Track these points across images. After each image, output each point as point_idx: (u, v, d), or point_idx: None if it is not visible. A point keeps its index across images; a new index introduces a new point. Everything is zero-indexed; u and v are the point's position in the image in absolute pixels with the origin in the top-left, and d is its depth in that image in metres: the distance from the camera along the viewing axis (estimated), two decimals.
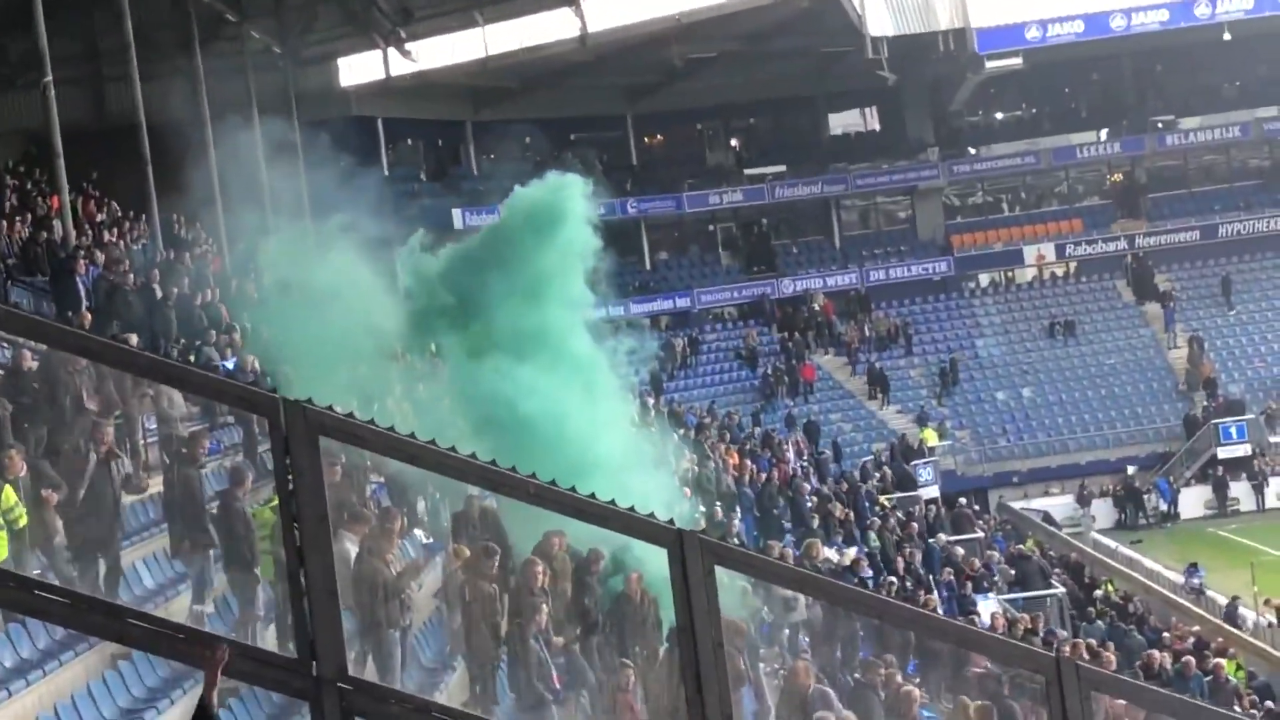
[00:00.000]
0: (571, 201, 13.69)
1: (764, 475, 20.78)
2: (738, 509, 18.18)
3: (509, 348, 12.74)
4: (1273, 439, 30.61)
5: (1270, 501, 29.37)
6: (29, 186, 19.74)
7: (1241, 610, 19.73)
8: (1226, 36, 33.07)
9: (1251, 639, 18.72)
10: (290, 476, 4.19)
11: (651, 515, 4.29)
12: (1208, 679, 14.10)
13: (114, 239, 18.08)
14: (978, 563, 20.10)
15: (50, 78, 17.03)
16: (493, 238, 15.14)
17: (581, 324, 13.80)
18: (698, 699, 4.08)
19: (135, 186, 20.61)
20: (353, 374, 11.68)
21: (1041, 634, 15.63)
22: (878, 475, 25.97)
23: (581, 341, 13.61)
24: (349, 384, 10.79)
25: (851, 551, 18.28)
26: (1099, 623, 18.65)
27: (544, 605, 7.99)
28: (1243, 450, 30.30)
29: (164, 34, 22.74)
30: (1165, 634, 18.55)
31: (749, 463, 21.37)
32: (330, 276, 12.48)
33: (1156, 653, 15.75)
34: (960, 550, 20.83)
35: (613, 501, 4.19)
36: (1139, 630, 18.42)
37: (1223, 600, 20.42)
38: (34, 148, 21.48)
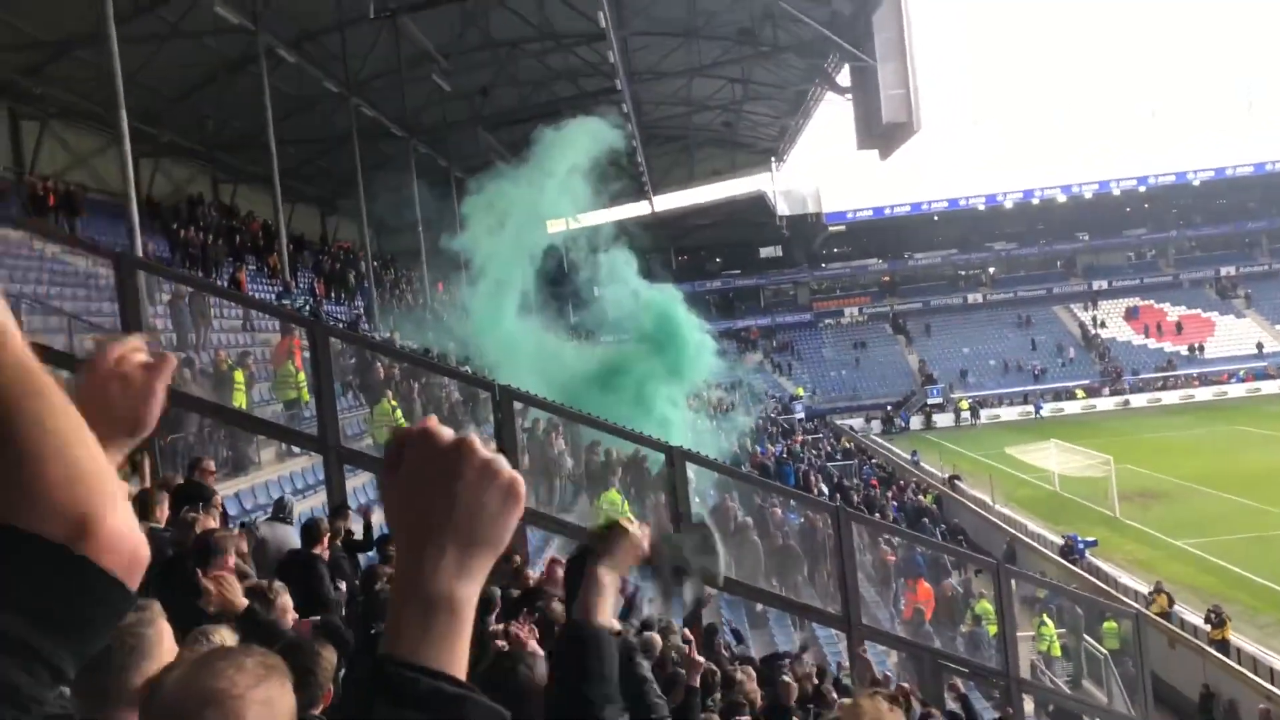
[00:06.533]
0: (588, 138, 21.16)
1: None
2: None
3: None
4: (951, 396, 67.53)
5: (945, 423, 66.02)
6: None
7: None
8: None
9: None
10: (499, 415, 9.32)
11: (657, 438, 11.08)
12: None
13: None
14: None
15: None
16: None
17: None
18: (673, 501, 9.97)
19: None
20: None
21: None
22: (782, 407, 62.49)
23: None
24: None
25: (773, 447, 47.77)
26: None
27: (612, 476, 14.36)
28: (938, 400, 66.77)
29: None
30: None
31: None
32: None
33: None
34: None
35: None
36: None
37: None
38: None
